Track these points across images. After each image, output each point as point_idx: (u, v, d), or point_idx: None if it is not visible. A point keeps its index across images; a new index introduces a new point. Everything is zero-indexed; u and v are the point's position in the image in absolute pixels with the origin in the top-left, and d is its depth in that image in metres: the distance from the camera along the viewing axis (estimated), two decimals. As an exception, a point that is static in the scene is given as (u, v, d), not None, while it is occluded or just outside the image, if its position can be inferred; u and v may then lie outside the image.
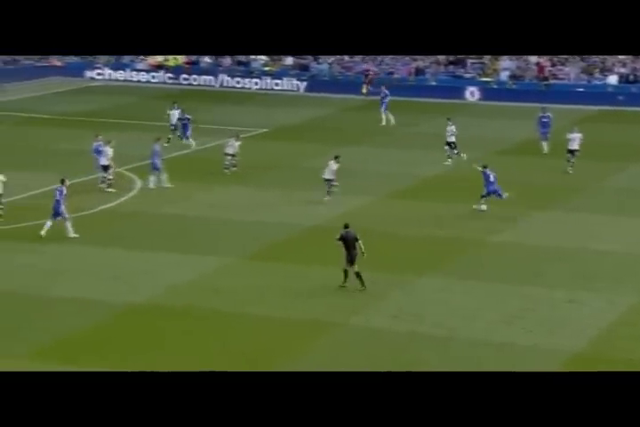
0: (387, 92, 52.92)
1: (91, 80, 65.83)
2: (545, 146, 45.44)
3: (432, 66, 65.11)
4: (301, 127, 52.42)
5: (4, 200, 34.56)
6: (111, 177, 38.35)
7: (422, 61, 65.48)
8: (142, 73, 66.70)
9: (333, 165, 36.82)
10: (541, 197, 37.77)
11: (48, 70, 65.62)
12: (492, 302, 27.24)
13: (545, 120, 45.90)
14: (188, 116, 45.71)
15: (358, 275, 27.49)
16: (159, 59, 67.17)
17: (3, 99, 58.10)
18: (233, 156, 41.12)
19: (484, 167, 35.76)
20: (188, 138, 45.34)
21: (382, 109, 52.26)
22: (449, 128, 43.42)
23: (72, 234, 32.03)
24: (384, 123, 51.78)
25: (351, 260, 27.44)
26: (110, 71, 66.73)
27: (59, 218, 31.99)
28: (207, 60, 67.67)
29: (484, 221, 34.56)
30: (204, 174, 40.59)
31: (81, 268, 29.76)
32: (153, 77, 66.21)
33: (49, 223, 31.91)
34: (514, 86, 61.75)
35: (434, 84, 63.03)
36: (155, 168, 38.73)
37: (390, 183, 39.71)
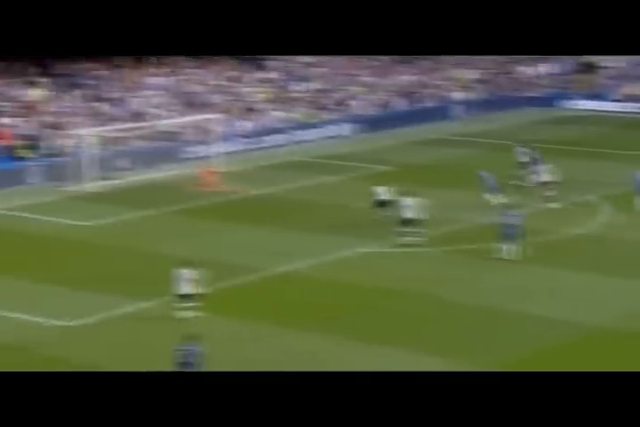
0: None
1: (564, 110, 64.96)
2: None
3: None
4: None
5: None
6: (550, 193, 38.39)
7: None
8: (614, 102, 64.84)
9: None
10: None
11: (524, 101, 65.67)
12: None
13: None
14: (535, 157, 43.01)
15: None
16: (632, 89, 65.11)
17: (486, 127, 58.66)
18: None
19: None
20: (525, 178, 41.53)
21: None
22: None
23: (508, 256, 31.56)
24: None
25: None
26: (584, 101, 65.53)
27: (512, 241, 31.66)
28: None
29: None
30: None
31: (548, 288, 29.68)
32: (624, 107, 64.12)
33: (506, 246, 31.73)
34: None
35: None
36: None
37: None
